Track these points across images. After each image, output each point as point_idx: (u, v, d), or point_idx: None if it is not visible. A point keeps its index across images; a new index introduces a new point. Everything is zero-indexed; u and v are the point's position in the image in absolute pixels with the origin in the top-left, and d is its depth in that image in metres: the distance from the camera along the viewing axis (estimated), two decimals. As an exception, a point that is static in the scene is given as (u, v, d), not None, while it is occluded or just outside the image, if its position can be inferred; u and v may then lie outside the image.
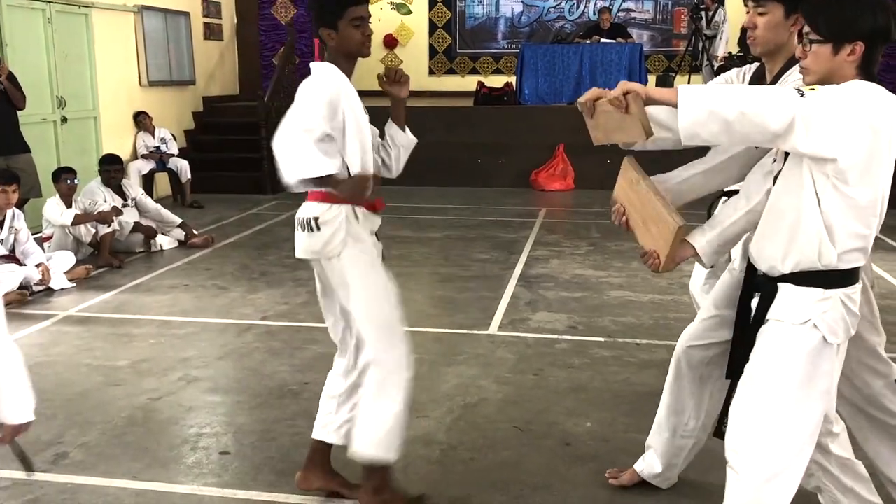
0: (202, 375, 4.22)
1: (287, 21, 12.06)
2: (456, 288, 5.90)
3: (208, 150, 10.57)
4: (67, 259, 6.09)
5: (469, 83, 12.71)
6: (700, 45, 11.02)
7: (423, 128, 11.21)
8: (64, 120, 8.16)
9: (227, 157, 10.36)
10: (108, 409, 3.79)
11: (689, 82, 11.19)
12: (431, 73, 14.17)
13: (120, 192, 7.10)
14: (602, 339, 4.72)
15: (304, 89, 2.69)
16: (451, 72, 14.16)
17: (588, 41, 11.32)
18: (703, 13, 10.95)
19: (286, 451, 3.35)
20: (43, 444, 3.40)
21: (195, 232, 7.31)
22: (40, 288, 5.73)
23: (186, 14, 10.49)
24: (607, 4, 13.08)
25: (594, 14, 13.28)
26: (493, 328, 4.93)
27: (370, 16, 2.80)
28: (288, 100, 9.99)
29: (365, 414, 2.75)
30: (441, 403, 3.82)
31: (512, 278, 6.08)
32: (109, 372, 4.26)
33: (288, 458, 3.28)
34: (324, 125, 2.62)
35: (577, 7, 13.79)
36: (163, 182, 9.66)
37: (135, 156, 9.27)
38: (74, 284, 5.93)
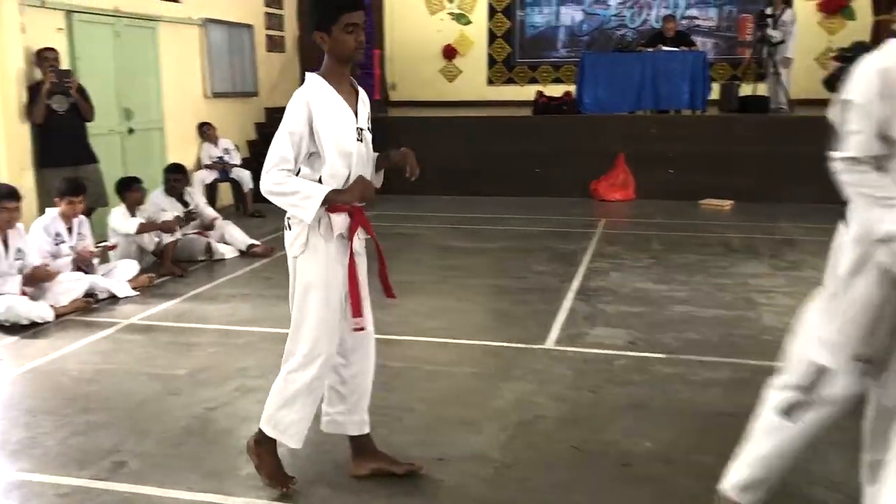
0: (258, 386, 4.23)
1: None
2: (513, 300, 5.83)
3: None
4: (131, 268, 6.21)
5: (528, 92, 12.65)
6: (766, 52, 10.74)
7: (482, 138, 11.27)
8: (130, 131, 8.36)
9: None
10: (165, 419, 3.83)
11: (754, 91, 10.92)
12: (490, 82, 14.16)
13: (182, 200, 7.23)
14: (663, 356, 4.59)
15: (292, 99, 2.89)
16: (509, 81, 14.12)
17: (650, 49, 11.13)
18: (769, 20, 10.67)
19: (340, 465, 3.32)
20: (103, 453, 3.45)
21: (256, 242, 7.39)
22: (104, 296, 5.86)
23: (250, 27, 10.67)
24: (671, 12, 12.87)
25: (657, 22, 13.09)
26: (550, 343, 4.85)
27: (364, 22, 2.90)
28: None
29: (271, 393, 3.07)
30: (496, 420, 3.76)
31: (570, 291, 5.99)
32: (168, 381, 4.31)
33: (342, 471, 3.26)
34: (305, 128, 2.81)
35: (639, 15, 13.62)
36: (225, 192, 9.81)
37: (198, 166, 9.44)
38: (138, 293, 6.04)
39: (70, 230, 6.01)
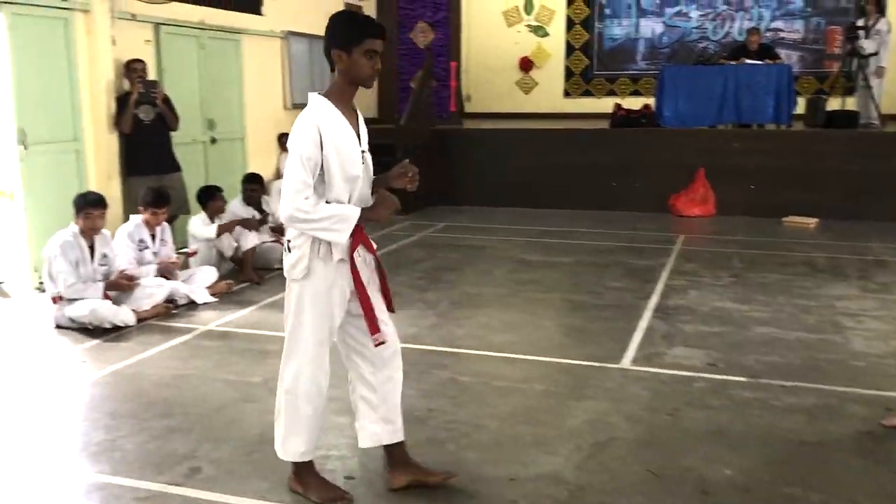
0: (331, 395, 4.23)
1: (425, 45, 12.25)
2: (588, 317, 5.73)
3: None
4: (210, 274, 6.34)
5: (605, 105, 12.49)
6: (856, 65, 10.34)
7: (557, 150, 11.17)
8: (213, 141, 8.57)
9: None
10: (241, 426, 3.87)
11: (842, 106, 10.54)
12: (567, 94, 14.04)
13: (260, 209, 7.36)
14: (744, 379, 4.43)
15: (297, 122, 2.90)
16: (587, 94, 13.97)
17: (733, 62, 10.86)
18: (860, 31, 10.28)
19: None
20: (178, 458, 3.51)
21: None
22: (184, 301, 5.99)
23: (329, 39, 10.83)
24: (755, 24, 12.54)
25: (739, 35, 12.78)
26: (626, 362, 4.73)
27: (382, 51, 2.91)
28: (425, 123, 10.08)
29: (275, 419, 3.16)
30: (569, 440, 3.68)
31: (647, 309, 5.85)
32: (244, 388, 4.37)
33: (411, 486, 3.23)
34: (317, 152, 2.82)
35: (722, 28, 13.32)
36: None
37: (277, 175, 9.61)
38: (217, 299, 6.16)
39: (153, 237, 6.17)
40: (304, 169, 2.82)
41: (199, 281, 6.21)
